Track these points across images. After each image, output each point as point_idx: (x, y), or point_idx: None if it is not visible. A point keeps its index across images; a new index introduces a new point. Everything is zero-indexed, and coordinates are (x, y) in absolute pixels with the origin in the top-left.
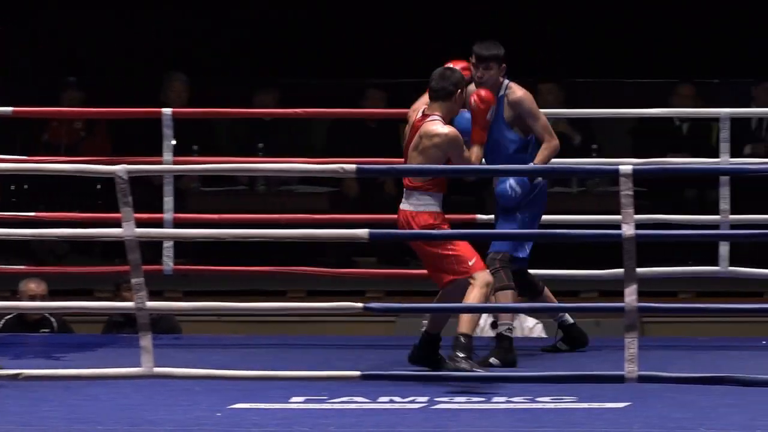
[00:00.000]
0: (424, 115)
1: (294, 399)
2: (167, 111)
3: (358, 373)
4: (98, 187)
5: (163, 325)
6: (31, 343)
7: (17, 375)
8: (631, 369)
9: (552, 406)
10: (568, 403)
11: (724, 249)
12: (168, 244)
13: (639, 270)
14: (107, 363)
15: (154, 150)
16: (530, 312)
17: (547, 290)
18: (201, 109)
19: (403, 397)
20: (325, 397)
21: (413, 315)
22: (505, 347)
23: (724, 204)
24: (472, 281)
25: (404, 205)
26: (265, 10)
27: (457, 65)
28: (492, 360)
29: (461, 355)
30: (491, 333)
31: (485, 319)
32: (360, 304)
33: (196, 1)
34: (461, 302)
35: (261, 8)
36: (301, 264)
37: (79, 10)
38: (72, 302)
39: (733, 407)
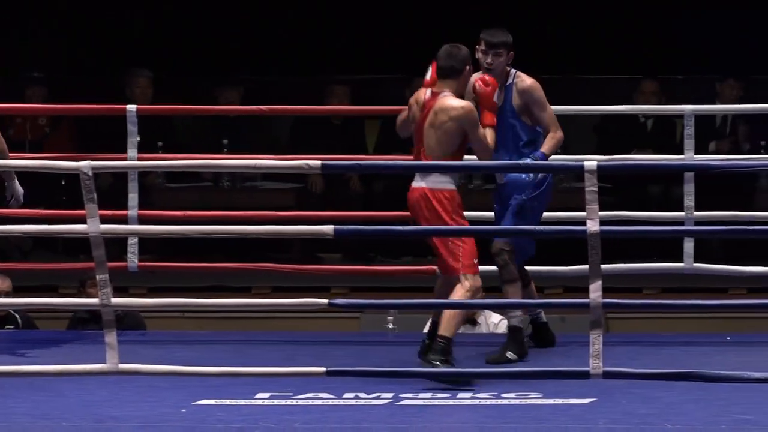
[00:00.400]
0: (435, 93)
1: (259, 395)
2: (132, 108)
3: (323, 369)
4: (63, 183)
5: (128, 322)
6: None
7: None
8: (596, 365)
9: (517, 402)
10: (534, 399)
11: (688, 245)
12: (133, 241)
13: (604, 266)
14: (72, 359)
15: (118, 146)
16: (497, 308)
17: (532, 284)
18: (166, 105)
19: (369, 393)
20: (290, 393)
21: (378, 311)
22: (519, 340)
23: (689, 201)
24: (462, 281)
25: (419, 183)
26: (229, 7)
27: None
28: (509, 355)
29: (440, 358)
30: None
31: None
32: (325, 300)
33: None
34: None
35: (225, 5)
36: (266, 260)
37: (44, 6)
38: (37, 298)
39: (698, 403)
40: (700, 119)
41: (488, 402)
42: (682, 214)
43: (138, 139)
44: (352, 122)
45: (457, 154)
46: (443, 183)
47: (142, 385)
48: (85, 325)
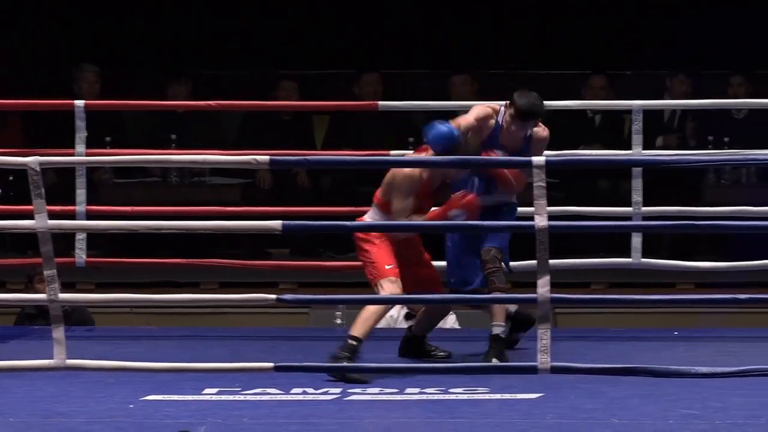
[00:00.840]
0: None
1: (207, 390)
2: (80, 103)
3: (271, 364)
4: (11, 178)
5: (76, 317)
6: None
7: None
8: (543, 360)
9: (465, 397)
10: (481, 394)
11: (636, 240)
12: (81, 236)
13: (552, 261)
14: (20, 355)
15: (67, 142)
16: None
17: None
18: (114, 101)
19: (317, 389)
20: (238, 388)
21: (326, 306)
22: (500, 348)
23: (637, 196)
24: (379, 290)
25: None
26: (177, 1)
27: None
28: (494, 362)
29: (345, 354)
30: (405, 324)
31: (399, 311)
32: (273, 296)
33: None
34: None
35: (173, 0)
36: (215, 256)
37: None
38: None
39: (646, 398)
40: (648, 115)
41: (436, 397)
42: (630, 209)
43: (86, 134)
44: (300, 118)
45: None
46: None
47: (89, 380)
48: (33, 321)
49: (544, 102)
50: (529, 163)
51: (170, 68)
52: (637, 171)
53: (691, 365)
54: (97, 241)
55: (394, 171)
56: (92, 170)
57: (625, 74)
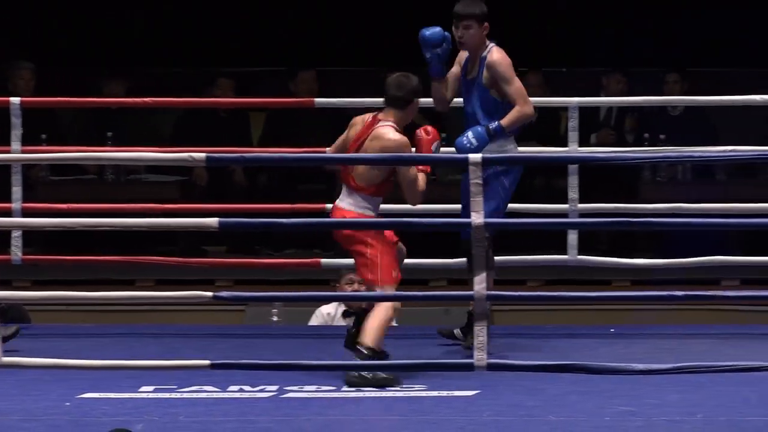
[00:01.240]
0: (375, 119)
1: (144, 388)
2: (15, 100)
3: (207, 362)
4: None
5: (12, 315)
6: None
7: None
8: (480, 357)
9: (401, 394)
10: (418, 392)
11: (572, 237)
12: (17, 234)
13: None
14: None
15: (2, 139)
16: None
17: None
18: (50, 98)
19: (253, 386)
20: (174, 386)
21: (263, 304)
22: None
23: (573, 193)
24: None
25: (342, 203)
26: None
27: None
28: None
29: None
30: (342, 322)
31: (336, 308)
32: (209, 293)
33: None
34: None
35: None
36: (151, 253)
37: None
38: None
39: (583, 395)
40: (584, 112)
41: (372, 394)
42: (566, 206)
43: (21, 131)
44: (237, 115)
45: (383, 186)
46: (364, 209)
47: (25, 378)
48: None
49: None
50: (466, 160)
51: (106, 65)
52: (573, 168)
53: (628, 362)
54: (34, 238)
55: (382, 145)
56: (28, 168)
57: (561, 72)
